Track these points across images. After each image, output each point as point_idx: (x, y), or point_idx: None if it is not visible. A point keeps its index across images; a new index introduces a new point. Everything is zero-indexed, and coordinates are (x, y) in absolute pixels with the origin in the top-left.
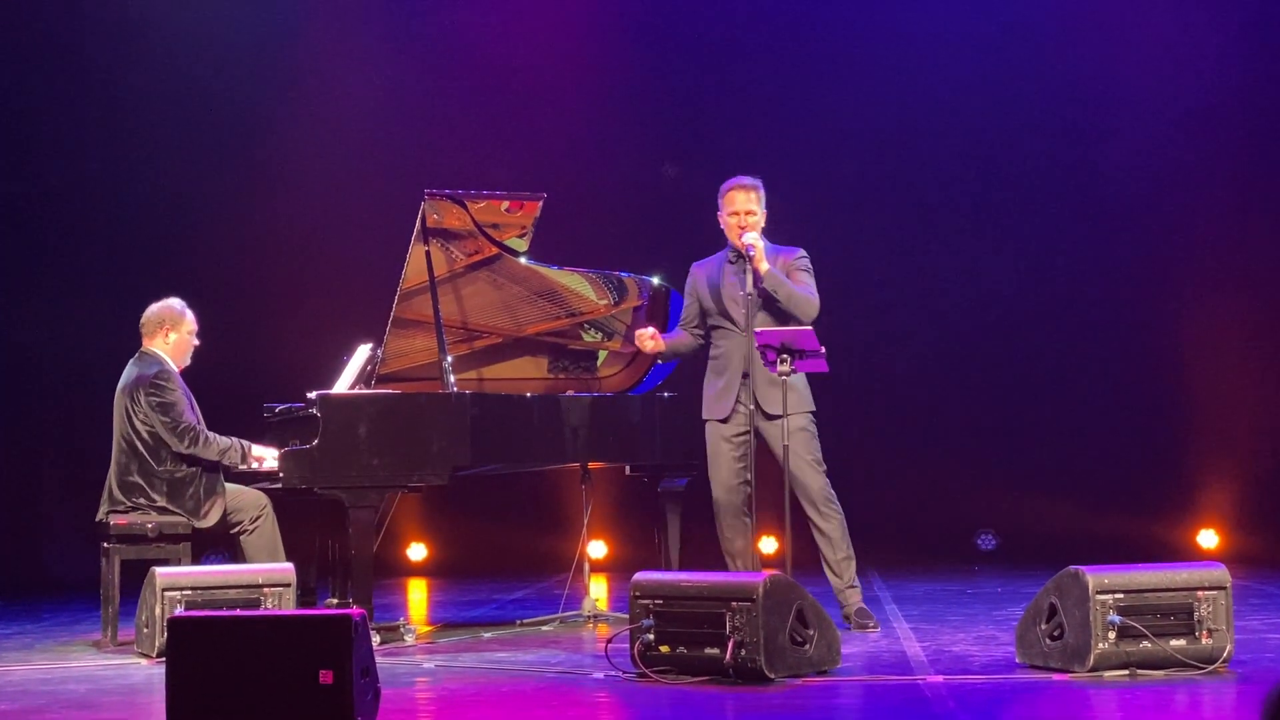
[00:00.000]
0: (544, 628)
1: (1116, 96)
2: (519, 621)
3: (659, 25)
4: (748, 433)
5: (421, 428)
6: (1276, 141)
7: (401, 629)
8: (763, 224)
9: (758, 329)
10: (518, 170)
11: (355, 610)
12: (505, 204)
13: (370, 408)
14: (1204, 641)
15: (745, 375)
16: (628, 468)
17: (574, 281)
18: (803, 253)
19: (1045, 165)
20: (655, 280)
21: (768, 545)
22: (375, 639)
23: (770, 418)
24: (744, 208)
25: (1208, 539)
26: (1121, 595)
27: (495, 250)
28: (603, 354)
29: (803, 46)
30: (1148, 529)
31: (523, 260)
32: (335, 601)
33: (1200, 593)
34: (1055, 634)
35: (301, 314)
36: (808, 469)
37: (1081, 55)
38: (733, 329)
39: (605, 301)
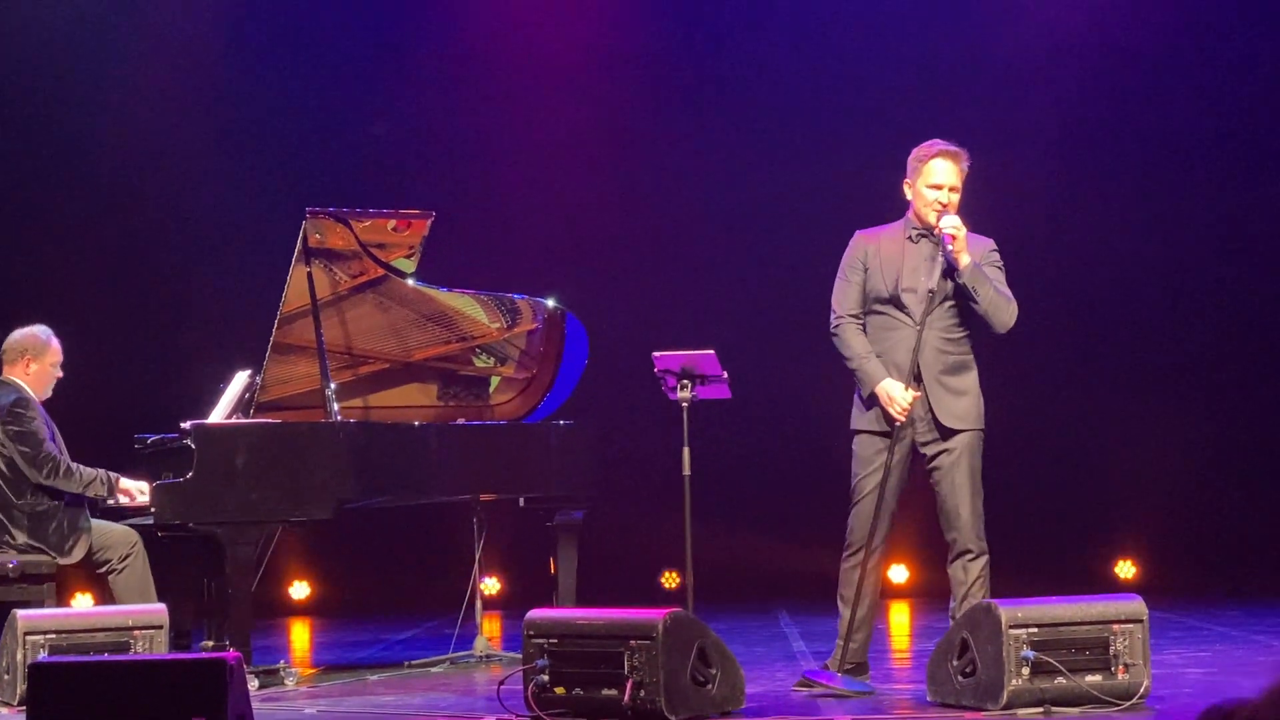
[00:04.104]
0: (433, 669)
1: None
2: (407, 663)
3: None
4: (916, 449)
5: (303, 459)
6: None
7: (282, 672)
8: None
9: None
10: (406, 189)
11: (231, 654)
12: (392, 223)
13: (248, 438)
14: (1120, 677)
15: (918, 379)
16: (522, 499)
17: (464, 304)
18: (994, 244)
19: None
20: (550, 302)
21: (671, 579)
22: (253, 684)
23: (949, 433)
24: (948, 181)
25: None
26: (1035, 629)
27: (381, 271)
28: (495, 380)
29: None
30: None
31: (410, 282)
32: (211, 644)
33: (1116, 626)
34: (967, 671)
35: (175, 338)
36: (972, 499)
37: None
38: (903, 321)
39: (498, 325)
